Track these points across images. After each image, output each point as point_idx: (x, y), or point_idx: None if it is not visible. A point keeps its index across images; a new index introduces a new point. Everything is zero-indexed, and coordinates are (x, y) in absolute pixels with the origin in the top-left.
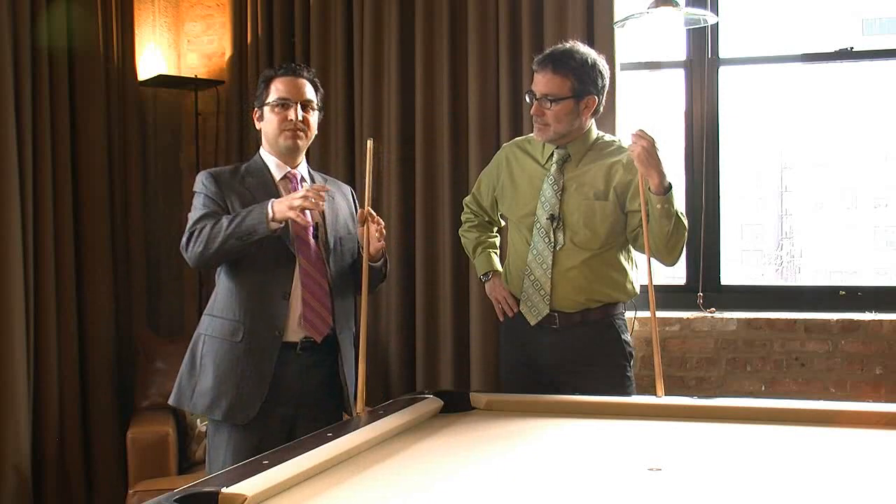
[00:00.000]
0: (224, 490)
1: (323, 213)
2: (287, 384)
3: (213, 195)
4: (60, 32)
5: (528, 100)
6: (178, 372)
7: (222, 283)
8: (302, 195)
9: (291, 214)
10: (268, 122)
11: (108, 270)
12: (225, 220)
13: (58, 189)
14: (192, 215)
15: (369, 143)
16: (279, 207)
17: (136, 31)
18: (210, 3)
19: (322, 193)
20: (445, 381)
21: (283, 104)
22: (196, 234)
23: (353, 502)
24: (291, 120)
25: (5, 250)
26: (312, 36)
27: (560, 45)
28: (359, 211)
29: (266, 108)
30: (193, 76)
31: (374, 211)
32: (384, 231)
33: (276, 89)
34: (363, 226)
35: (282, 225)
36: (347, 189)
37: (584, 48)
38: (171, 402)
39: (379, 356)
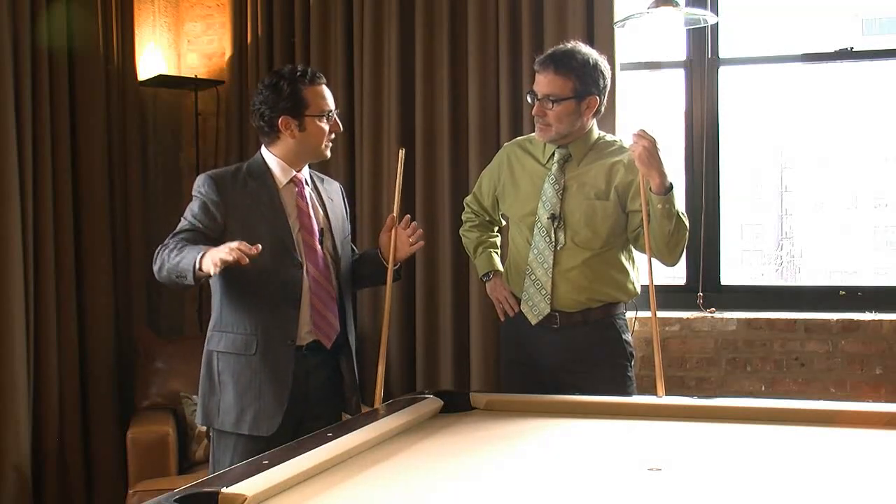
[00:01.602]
0: (224, 490)
1: (329, 220)
2: (294, 387)
3: (211, 203)
4: (60, 32)
5: (529, 100)
6: (201, 392)
7: (224, 296)
8: (228, 251)
9: (210, 269)
10: (313, 135)
11: (108, 271)
12: (175, 251)
13: (58, 189)
14: (180, 224)
15: (401, 154)
16: (206, 259)
17: (136, 31)
18: (210, 3)
19: (250, 252)
20: (445, 381)
21: (330, 115)
22: (161, 250)
23: (352, 502)
24: (335, 129)
25: (5, 250)
26: (312, 36)
27: (562, 46)
28: (388, 217)
29: (311, 120)
30: (193, 76)
31: (376, 212)
32: (422, 233)
33: (321, 100)
34: (388, 232)
35: (206, 274)
36: (338, 186)
37: (585, 48)
38: (199, 422)
39: (379, 356)
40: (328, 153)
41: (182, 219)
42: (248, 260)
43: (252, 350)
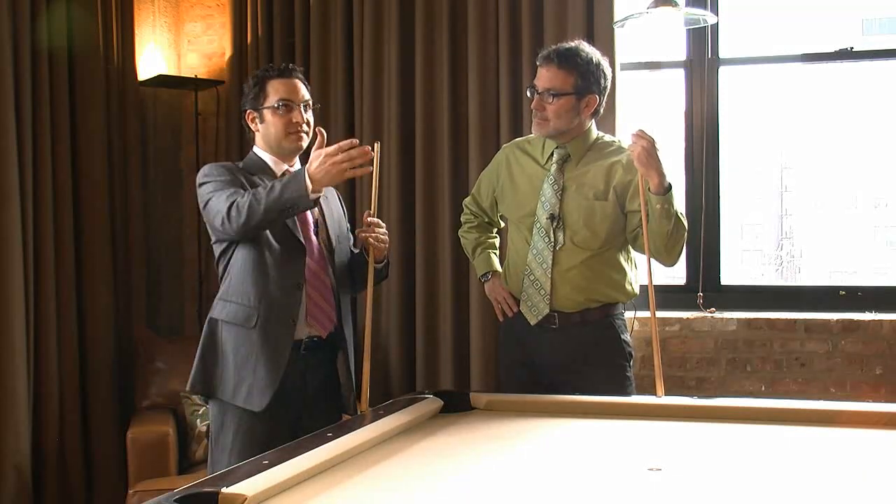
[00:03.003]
0: (224, 490)
1: (322, 211)
2: (292, 384)
3: (227, 182)
4: (60, 32)
5: (529, 94)
6: (197, 359)
7: (236, 266)
8: (343, 157)
9: (346, 176)
10: (270, 125)
11: (108, 270)
12: (262, 190)
13: (58, 189)
14: (218, 195)
15: (376, 146)
16: (321, 177)
17: (136, 31)
18: (210, 3)
19: (360, 149)
20: (445, 381)
21: (287, 106)
22: (234, 207)
23: (353, 502)
24: (297, 122)
25: (5, 250)
26: (312, 36)
27: (565, 43)
28: (364, 213)
29: (266, 111)
30: (193, 76)
31: (375, 212)
32: (380, 237)
33: (276, 91)
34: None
35: (321, 194)
36: (332, 190)
37: (589, 48)
38: (196, 390)
39: (379, 356)
40: (296, 144)
41: (208, 198)
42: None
43: (252, 323)
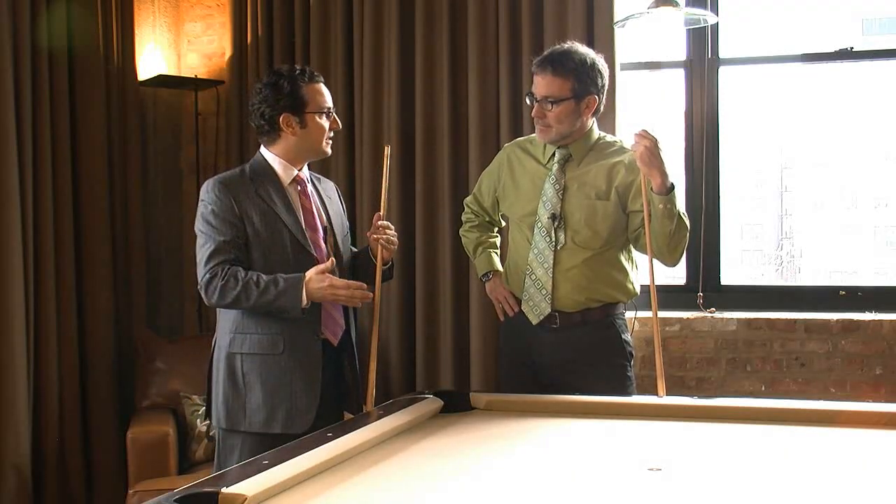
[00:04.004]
0: (224, 490)
1: (329, 217)
2: None
3: (226, 211)
4: (60, 32)
5: (528, 102)
6: (222, 395)
7: None
8: (345, 294)
9: (337, 302)
10: (315, 131)
11: (108, 270)
12: (255, 287)
13: (58, 189)
14: (204, 249)
15: (386, 150)
16: (319, 294)
17: (136, 31)
18: (210, 3)
19: (363, 293)
20: (445, 381)
21: (329, 113)
22: (219, 281)
23: (353, 502)
24: (334, 127)
25: (5, 250)
26: (312, 36)
27: (558, 46)
28: (375, 216)
29: (311, 116)
30: (193, 76)
31: (385, 214)
32: (390, 239)
33: (316, 95)
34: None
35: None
36: (333, 185)
37: (582, 48)
38: (223, 426)
39: (379, 356)
40: (329, 150)
41: (199, 232)
42: (360, 304)
43: (279, 349)
